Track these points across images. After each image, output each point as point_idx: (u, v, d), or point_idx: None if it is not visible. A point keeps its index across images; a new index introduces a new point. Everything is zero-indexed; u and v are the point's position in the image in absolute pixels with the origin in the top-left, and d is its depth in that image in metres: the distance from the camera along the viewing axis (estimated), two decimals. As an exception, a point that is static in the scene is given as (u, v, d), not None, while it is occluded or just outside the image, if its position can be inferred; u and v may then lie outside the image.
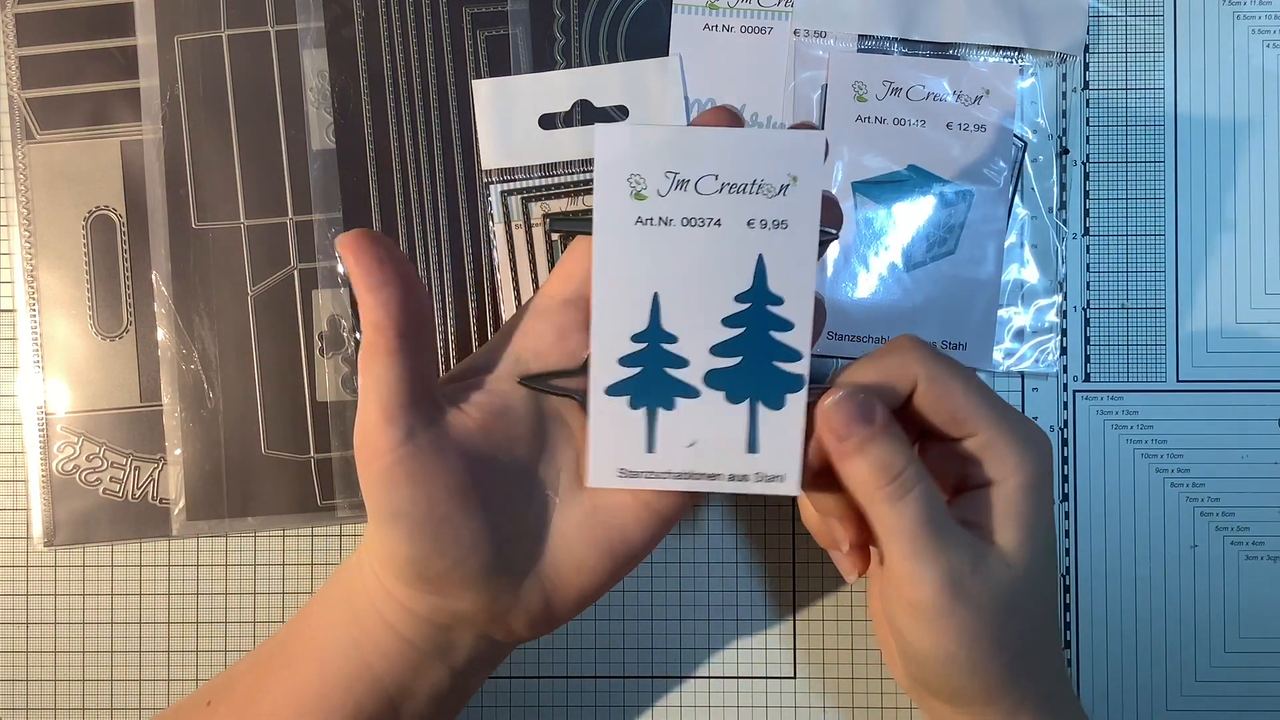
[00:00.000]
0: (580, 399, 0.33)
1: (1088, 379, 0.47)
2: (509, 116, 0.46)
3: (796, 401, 0.33)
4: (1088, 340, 0.47)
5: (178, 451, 0.46)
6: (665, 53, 0.46)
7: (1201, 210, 0.47)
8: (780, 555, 0.46)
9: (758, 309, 0.32)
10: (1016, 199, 0.46)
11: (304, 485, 0.46)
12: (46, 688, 0.47)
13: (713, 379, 0.33)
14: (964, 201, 0.46)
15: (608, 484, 0.33)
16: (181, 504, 0.46)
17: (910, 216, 0.46)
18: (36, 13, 0.47)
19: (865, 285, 0.46)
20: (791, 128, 0.32)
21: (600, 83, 0.46)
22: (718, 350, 0.33)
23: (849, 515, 0.35)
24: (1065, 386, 0.47)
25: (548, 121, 0.46)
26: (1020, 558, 0.33)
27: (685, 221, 0.32)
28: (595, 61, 0.46)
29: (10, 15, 0.47)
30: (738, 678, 0.46)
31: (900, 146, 0.46)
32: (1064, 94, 0.47)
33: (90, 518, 0.46)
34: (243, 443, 0.46)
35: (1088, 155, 0.47)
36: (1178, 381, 0.46)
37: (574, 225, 0.34)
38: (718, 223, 0.32)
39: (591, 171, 0.48)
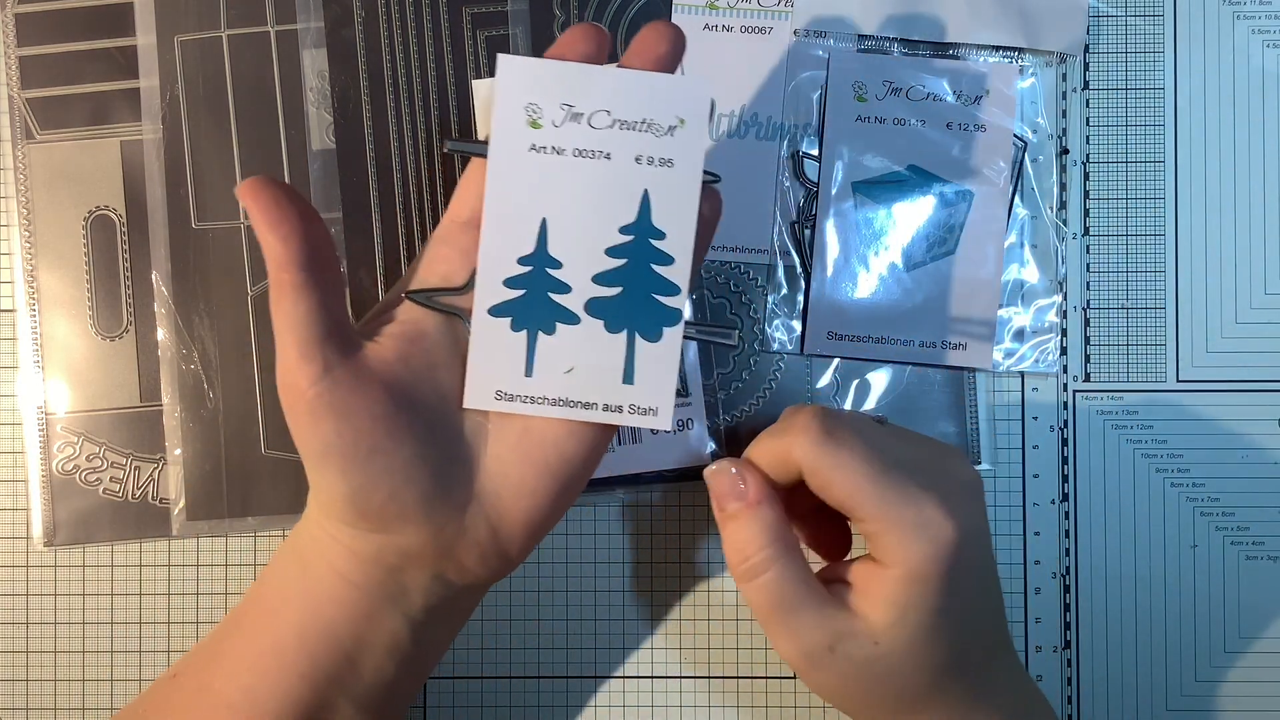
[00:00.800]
0: (464, 317, 0.34)
1: (1088, 379, 0.47)
2: (509, 116, 0.46)
3: (673, 335, 0.33)
4: (1088, 340, 0.47)
5: (178, 451, 0.46)
6: (665, 53, 0.46)
7: (1201, 210, 0.47)
8: (780, 555, 0.46)
9: (641, 242, 0.33)
10: (1016, 199, 0.46)
11: (304, 485, 0.46)
12: (46, 688, 0.47)
13: (594, 307, 0.33)
14: (964, 201, 0.46)
15: (483, 405, 0.33)
16: (181, 504, 0.46)
17: (910, 216, 0.46)
18: (36, 13, 0.47)
19: (865, 285, 0.46)
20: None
21: (600, 83, 0.46)
22: (600, 279, 0.33)
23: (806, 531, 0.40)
24: (1065, 386, 0.47)
25: (548, 121, 0.46)
26: (890, 638, 0.34)
27: (577, 153, 0.33)
28: (595, 61, 0.46)
29: (10, 15, 0.47)
30: (738, 678, 0.46)
31: (900, 146, 0.46)
32: (1064, 94, 0.47)
33: (90, 518, 0.46)
34: (243, 443, 0.46)
35: (1088, 155, 0.47)
36: (1178, 381, 0.46)
37: (471, 148, 0.34)
38: (607, 156, 0.33)
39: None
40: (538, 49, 0.46)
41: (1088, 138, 0.47)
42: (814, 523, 0.40)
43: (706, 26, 0.46)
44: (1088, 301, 0.47)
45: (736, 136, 0.46)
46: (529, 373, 0.33)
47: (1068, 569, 0.46)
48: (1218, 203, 0.46)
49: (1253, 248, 0.46)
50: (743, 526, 0.34)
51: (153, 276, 0.46)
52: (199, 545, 0.47)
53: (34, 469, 0.46)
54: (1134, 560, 0.46)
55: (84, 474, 0.46)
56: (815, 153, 0.46)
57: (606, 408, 0.34)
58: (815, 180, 0.46)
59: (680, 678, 0.46)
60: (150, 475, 0.46)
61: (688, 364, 0.45)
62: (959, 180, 0.46)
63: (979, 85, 0.46)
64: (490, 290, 0.33)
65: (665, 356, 0.34)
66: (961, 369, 0.46)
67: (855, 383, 0.46)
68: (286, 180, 0.46)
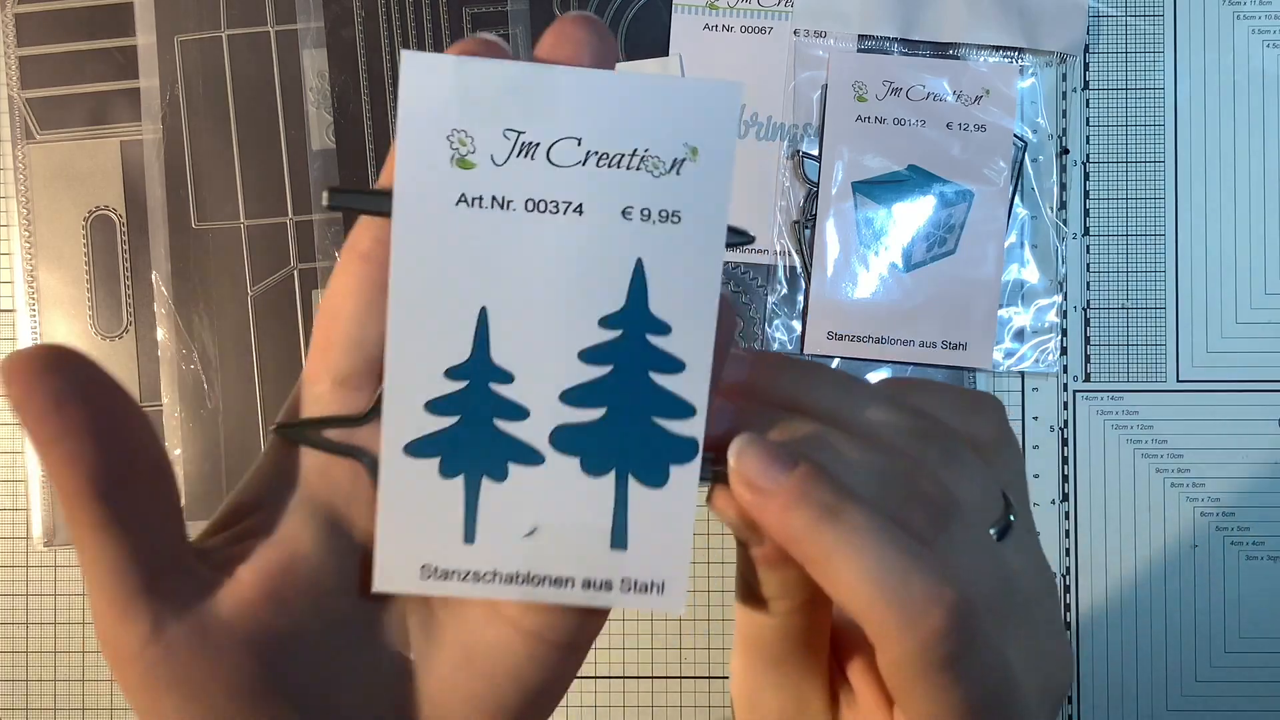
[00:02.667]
0: (366, 460, 0.23)
1: (1088, 379, 0.47)
2: (509, 116, 0.46)
3: (684, 478, 0.23)
4: (1088, 340, 0.47)
5: (178, 451, 0.46)
6: (665, 53, 0.46)
7: (1201, 210, 0.47)
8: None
9: (633, 339, 0.22)
10: (1016, 199, 0.46)
11: (304, 485, 0.46)
12: (46, 688, 0.47)
13: (563, 439, 0.23)
14: (964, 201, 0.46)
15: (404, 588, 0.23)
16: (181, 504, 0.46)
17: (910, 216, 0.46)
18: (36, 13, 0.47)
19: (865, 285, 0.46)
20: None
21: (600, 83, 0.46)
22: (571, 397, 0.22)
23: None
24: (1065, 386, 0.46)
25: (548, 121, 0.46)
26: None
27: (530, 205, 0.22)
28: (595, 61, 0.46)
29: (10, 15, 0.47)
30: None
31: (900, 146, 0.46)
32: (1064, 94, 0.47)
33: (90, 518, 0.46)
34: (243, 443, 0.46)
35: (1088, 155, 0.47)
36: (1178, 381, 0.46)
37: (367, 202, 0.22)
38: (578, 209, 0.22)
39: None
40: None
41: (1088, 138, 0.47)
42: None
43: (706, 26, 0.46)
44: (1088, 301, 0.47)
45: (736, 136, 0.46)
46: (470, 538, 0.23)
47: (1068, 569, 0.46)
48: (1218, 203, 0.46)
49: (1253, 248, 0.46)
50: (760, 574, 0.25)
51: (153, 276, 0.46)
52: (199, 545, 0.47)
53: (34, 469, 0.46)
54: (1134, 560, 0.46)
55: (84, 474, 0.46)
56: (815, 153, 0.46)
57: (589, 584, 0.23)
58: (815, 180, 0.46)
59: (680, 678, 0.46)
60: (150, 475, 0.46)
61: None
62: (959, 180, 0.46)
63: (979, 85, 0.46)
64: (405, 419, 0.22)
65: (673, 508, 0.23)
66: (961, 369, 0.46)
67: (855, 383, 0.46)
68: (286, 180, 0.46)
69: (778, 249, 0.46)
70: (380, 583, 0.23)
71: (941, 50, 0.46)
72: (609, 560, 0.23)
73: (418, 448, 0.22)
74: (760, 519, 0.23)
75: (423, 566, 0.23)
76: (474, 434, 0.22)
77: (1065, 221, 0.46)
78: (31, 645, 0.47)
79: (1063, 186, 0.46)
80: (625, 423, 0.23)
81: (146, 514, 0.22)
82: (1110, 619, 0.46)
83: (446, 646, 0.24)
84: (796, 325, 0.46)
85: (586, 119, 0.22)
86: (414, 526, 0.23)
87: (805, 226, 0.46)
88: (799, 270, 0.46)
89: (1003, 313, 0.46)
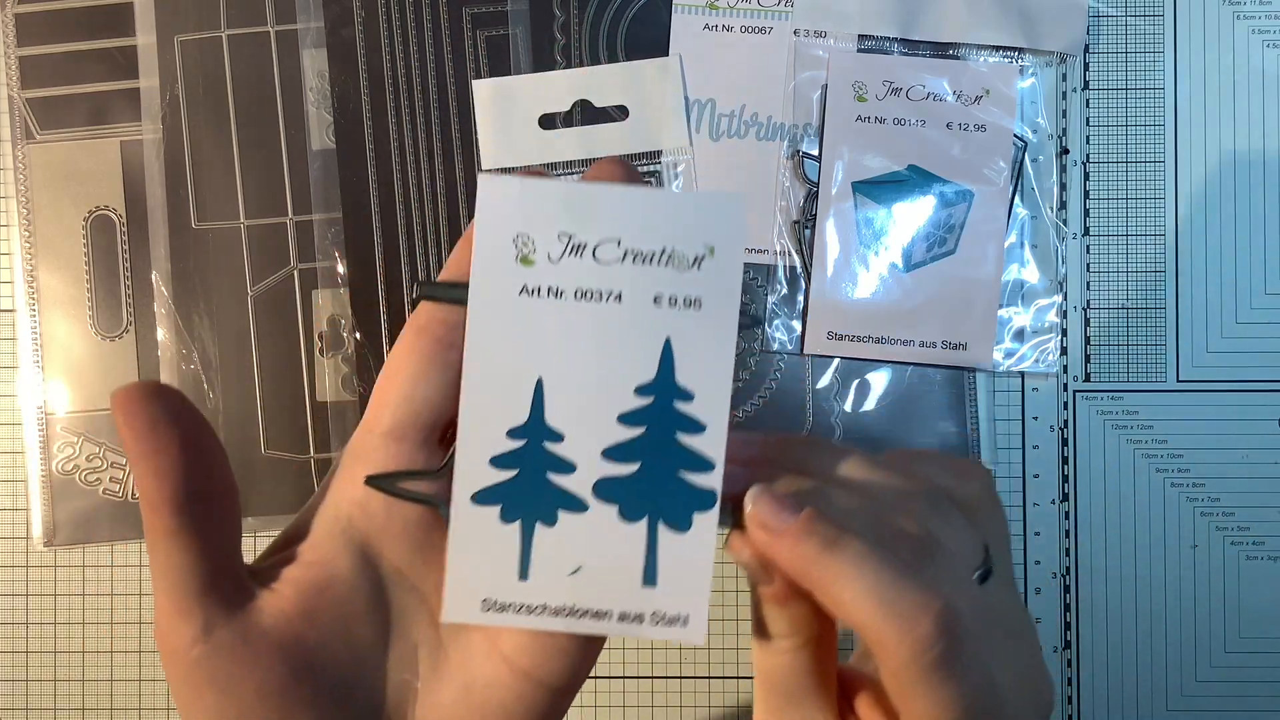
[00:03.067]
0: (441, 507, 0.27)
1: (1088, 379, 0.47)
2: (509, 117, 0.46)
3: (705, 523, 0.27)
4: (1088, 340, 0.47)
5: (178, 451, 0.46)
6: (665, 53, 0.46)
7: (1201, 210, 0.47)
8: (780, 555, 0.46)
9: (662, 405, 0.27)
10: (1016, 199, 0.46)
11: (304, 485, 0.46)
12: (46, 688, 0.47)
13: (604, 489, 0.27)
14: (964, 201, 0.46)
15: (468, 618, 0.27)
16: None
17: (910, 216, 0.46)
18: (36, 13, 0.47)
19: (865, 285, 0.46)
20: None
21: (600, 83, 0.46)
22: (612, 454, 0.27)
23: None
24: (1065, 386, 0.47)
25: (548, 122, 0.46)
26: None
27: (579, 294, 0.26)
28: (595, 61, 0.46)
29: (10, 15, 0.47)
30: (738, 678, 0.46)
31: (900, 146, 0.46)
32: (1064, 94, 0.47)
33: (90, 518, 0.46)
34: (243, 443, 0.46)
35: (1088, 155, 0.47)
36: (1178, 381, 0.46)
37: (448, 292, 0.27)
38: (618, 297, 0.26)
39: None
40: (538, 49, 0.46)
41: (1088, 138, 0.47)
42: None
43: (706, 26, 0.46)
44: (1088, 301, 0.47)
45: (737, 136, 0.46)
46: (524, 575, 0.27)
47: (1068, 569, 0.46)
48: (1218, 203, 0.46)
49: (1253, 248, 0.46)
50: (770, 612, 0.28)
51: (153, 276, 0.46)
52: (199, 545, 0.47)
53: (34, 469, 0.46)
54: (1134, 560, 0.46)
55: (84, 474, 0.46)
56: (815, 153, 0.46)
57: (623, 617, 0.27)
58: (815, 180, 0.46)
59: (680, 678, 0.46)
60: (150, 475, 0.46)
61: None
62: (959, 180, 0.46)
63: (979, 85, 0.46)
64: (473, 472, 0.27)
65: (696, 550, 0.27)
66: (961, 369, 0.46)
67: (855, 383, 0.46)
68: (286, 180, 0.46)
69: (778, 249, 0.46)
70: (449, 614, 0.26)
71: (941, 50, 0.46)
72: (641, 596, 0.27)
73: (483, 497, 0.27)
74: (772, 554, 0.27)
75: (484, 600, 0.27)
76: (529, 485, 0.27)
77: (1065, 221, 0.46)
78: (31, 645, 0.47)
79: (1063, 186, 0.46)
80: (656, 476, 0.27)
81: (213, 526, 0.26)
82: (1110, 619, 0.46)
83: (449, 679, 0.27)
84: (796, 325, 0.46)
85: (624, 225, 0.26)
86: (478, 565, 0.27)
87: (805, 226, 0.46)
88: (799, 270, 0.46)
89: (1003, 313, 0.46)
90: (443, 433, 0.27)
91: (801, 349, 0.46)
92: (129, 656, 0.47)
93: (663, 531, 0.27)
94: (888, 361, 0.46)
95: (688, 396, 0.27)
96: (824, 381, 0.46)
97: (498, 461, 0.27)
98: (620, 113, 0.46)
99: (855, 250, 0.46)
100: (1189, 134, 0.47)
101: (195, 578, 0.25)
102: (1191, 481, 0.46)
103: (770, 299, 0.46)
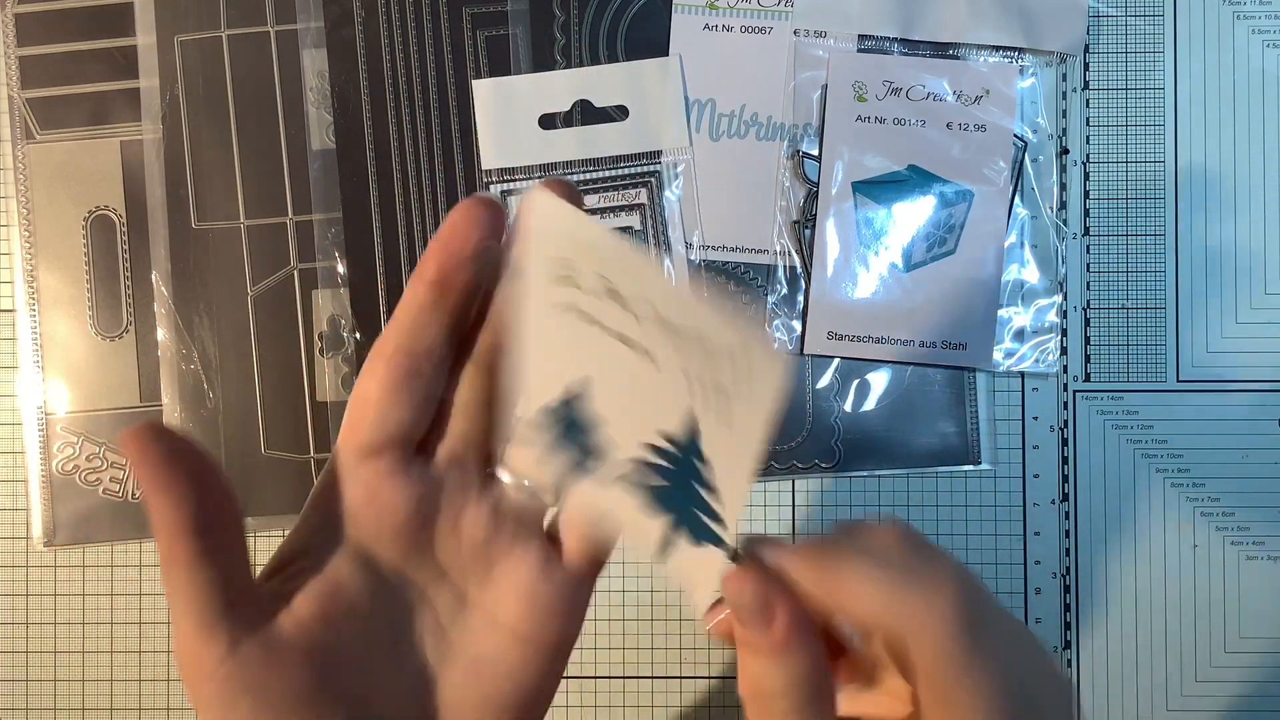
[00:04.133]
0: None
1: (1088, 379, 0.47)
2: (509, 116, 0.46)
3: (715, 553, 0.27)
4: (1088, 340, 0.47)
5: (178, 451, 0.46)
6: (665, 53, 0.46)
7: (1201, 210, 0.47)
8: (780, 555, 0.46)
9: (685, 459, 0.27)
10: (1016, 199, 0.46)
11: (304, 485, 0.46)
12: (46, 688, 0.47)
13: (634, 480, 0.28)
14: (964, 201, 0.46)
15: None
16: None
17: (910, 216, 0.46)
18: (36, 13, 0.47)
19: (865, 285, 0.46)
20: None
21: (600, 83, 0.46)
22: (640, 468, 0.27)
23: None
24: (1065, 386, 0.47)
25: (548, 122, 0.46)
26: None
27: (614, 334, 0.26)
28: (595, 61, 0.46)
29: (10, 15, 0.47)
30: (737, 678, 0.46)
31: (900, 146, 0.46)
32: (1064, 94, 0.47)
33: (90, 518, 0.46)
34: (243, 443, 0.46)
35: (1088, 155, 0.47)
36: (1178, 381, 0.46)
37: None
38: (649, 354, 0.26)
39: (592, 171, 0.48)
40: (538, 48, 0.46)
41: (1088, 138, 0.47)
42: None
43: (706, 26, 0.46)
44: (1088, 301, 0.47)
45: (737, 136, 0.46)
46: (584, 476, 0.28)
47: (1068, 569, 0.46)
48: (1218, 203, 0.46)
49: (1253, 248, 0.46)
50: (765, 669, 0.28)
51: (153, 276, 0.46)
52: (199, 545, 0.47)
53: (34, 469, 0.46)
54: (1134, 560, 0.46)
55: (84, 474, 0.46)
56: (815, 153, 0.46)
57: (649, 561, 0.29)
58: (815, 180, 0.46)
59: (680, 678, 0.46)
60: (150, 475, 0.46)
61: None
62: (959, 180, 0.46)
63: (979, 85, 0.46)
64: (528, 408, 0.28)
65: (704, 561, 0.27)
66: (961, 369, 0.46)
67: (855, 383, 0.46)
68: (286, 180, 0.46)
69: (778, 249, 0.46)
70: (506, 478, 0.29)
71: (941, 50, 0.46)
72: (658, 558, 0.28)
73: (534, 430, 0.28)
74: (785, 575, 0.27)
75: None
76: (574, 441, 0.28)
77: (1065, 221, 0.46)
78: (31, 645, 0.47)
79: (1063, 186, 0.46)
80: (677, 499, 0.27)
81: (226, 551, 0.27)
82: (1110, 619, 0.46)
83: (457, 660, 0.29)
84: (796, 325, 0.46)
85: (663, 303, 0.25)
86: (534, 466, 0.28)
87: (805, 226, 0.46)
88: (799, 270, 0.46)
89: (1003, 313, 0.46)
90: (419, 447, 0.28)
91: (801, 349, 0.46)
92: (129, 656, 0.47)
93: (680, 531, 0.28)
94: (888, 361, 0.46)
95: (707, 463, 0.26)
96: (824, 381, 0.46)
97: (546, 414, 0.28)
98: (620, 113, 0.46)
99: (855, 250, 0.46)
100: (1189, 134, 0.47)
101: (217, 598, 0.27)
102: (1191, 481, 0.46)
103: (770, 299, 0.46)
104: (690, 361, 0.26)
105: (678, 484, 0.27)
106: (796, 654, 0.27)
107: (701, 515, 0.27)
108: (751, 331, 0.25)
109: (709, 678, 0.46)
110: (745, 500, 0.27)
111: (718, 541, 0.27)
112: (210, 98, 0.46)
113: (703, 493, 0.27)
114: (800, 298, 0.46)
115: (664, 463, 0.27)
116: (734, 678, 0.46)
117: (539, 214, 0.26)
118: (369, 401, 0.27)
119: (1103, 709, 0.46)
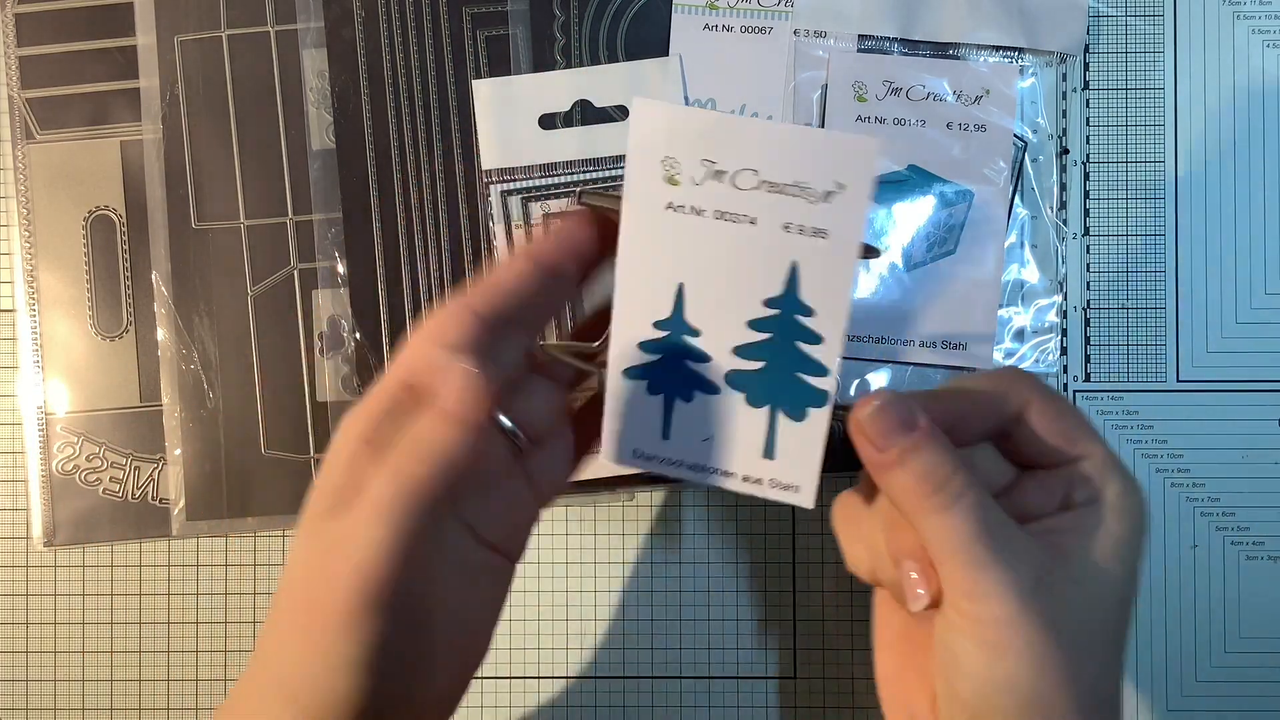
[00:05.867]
0: (599, 376, 0.32)
1: (1088, 379, 0.47)
2: (509, 116, 0.46)
3: (819, 417, 0.31)
4: (1088, 340, 0.47)
5: (177, 451, 0.46)
6: (665, 53, 0.46)
7: (1201, 210, 0.47)
8: (780, 555, 0.46)
9: (786, 317, 0.30)
10: (1016, 199, 0.46)
11: (304, 485, 0.46)
12: (46, 688, 0.47)
13: (734, 380, 0.31)
14: (964, 201, 0.46)
15: (624, 463, 0.32)
16: (181, 504, 0.46)
17: (910, 216, 0.46)
18: (36, 13, 0.47)
19: (865, 285, 0.46)
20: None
21: (600, 83, 0.46)
22: (741, 352, 0.31)
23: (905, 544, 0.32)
24: (1065, 386, 0.47)
25: (548, 121, 0.46)
26: (1102, 576, 0.30)
27: (718, 215, 0.30)
28: (595, 61, 0.46)
29: (10, 15, 0.47)
30: (738, 678, 0.46)
31: (900, 146, 0.46)
32: (1064, 94, 0.47)
33: (90, 518, 0.46)
34: (242, 443, 0.46)
35: (1088, 155, 0.47)
36: (1178, 381, 0.46)
37: (606, 200, 0.31)
38: (752, 221, 0.30)
39: (592, 171, 0.48)
40: (537, 48, 0.46)
41: (1088, 138, 0.47)
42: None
43: (706, 26, 0.46)
44: (1088, 301, 0.47)
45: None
46: (666, 436, 0.32)
47: (1068, 569, 0.46)
48: (1218, 203, 0.46)
49: (1253, 248, 0.46)
50: (925, 456, 0.30)
51: (153, 276, 0.46)
52: (199, 545, 0.47)
53: (34, 469, 0.46)
54: (1134, 560, 0.46)
55: (84, 474, 0.46)
56: (815, 153, 0.46)
57: (746, 479, 0.32)
58: (815, 180, 0.46)
59: (680, 678, 0.46)
60: (150, 475, 0.46)
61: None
62: (959, 180, 0.46)
63: (979, 85, 0.46)
64: (624, 352, 0.32)
65: (810, 437, 0.31)
66: (961, 369, 0.46)
67: (855, 383, 0.46)
68: (286, 180, 0.46)
69: (778, 249, 0.46)
70: (607, 455, 0.32)
71: (941, 50, 0.46)
72: (761, 465, 0.32)
73: (633, 373, 0.32)
74: (877, 478, 0.31)
75: (634, 450, 0.32)
76: (671, 368, 0.32)
77: (1065, 221, 0.46)
78: (31, 645, 0.47)
79: (1063, 186, 0.46)
80: (778, 375, 0.31)
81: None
82: (1110, 619, 0.46)
83: (453, 573, 0.30)
84: (796, 325, 0.46)
85: (762, 157, 0.29)
86: (629, 425, 0.32)
87: (805, 226, 0.46)
88: (799, 270, 0.46)
89: (1003, 313, 0.46)
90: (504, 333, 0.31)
91: (801, 349, 0.46)
92: (129, 656, 0.47)
93: (781, 418, 0.31)
94: (888, 361, 0.46)
95: (809, 312, 0.30)
96: (824, 381, 0.46)
97: (645, 346, 0.31)
98: (620, 113, 0.46)
99: (855, 250, 0.46)
100: (1189, 134, 0.47)
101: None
102: (1191, 481, 0.46)
103: (770, 299, 0.46)
104: (791, 211, 0.29)
105: (779, 353, 0.31)
106: (939, 438, 0.31)
107: (805, 378, 0.31)
108: (836, 131, 0.29)
109: (709, 678, 0.46)
110: (843, 343, 0.30)
111: (821, 401, 0.31)
112: (210, 98, 0.46)
113: (805, 348, 0.30)
114: (800, 298, 0.46)
115: (765, 335, 0.31)
116: (733, 678, 0.46)
117: (642, 122, 0.29)
118: (507, 278, 0.31)
119: (1103, 709, 0.46)
